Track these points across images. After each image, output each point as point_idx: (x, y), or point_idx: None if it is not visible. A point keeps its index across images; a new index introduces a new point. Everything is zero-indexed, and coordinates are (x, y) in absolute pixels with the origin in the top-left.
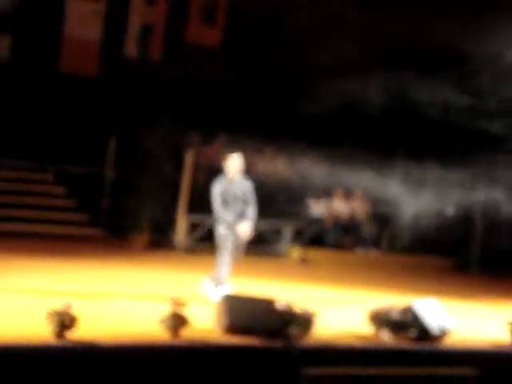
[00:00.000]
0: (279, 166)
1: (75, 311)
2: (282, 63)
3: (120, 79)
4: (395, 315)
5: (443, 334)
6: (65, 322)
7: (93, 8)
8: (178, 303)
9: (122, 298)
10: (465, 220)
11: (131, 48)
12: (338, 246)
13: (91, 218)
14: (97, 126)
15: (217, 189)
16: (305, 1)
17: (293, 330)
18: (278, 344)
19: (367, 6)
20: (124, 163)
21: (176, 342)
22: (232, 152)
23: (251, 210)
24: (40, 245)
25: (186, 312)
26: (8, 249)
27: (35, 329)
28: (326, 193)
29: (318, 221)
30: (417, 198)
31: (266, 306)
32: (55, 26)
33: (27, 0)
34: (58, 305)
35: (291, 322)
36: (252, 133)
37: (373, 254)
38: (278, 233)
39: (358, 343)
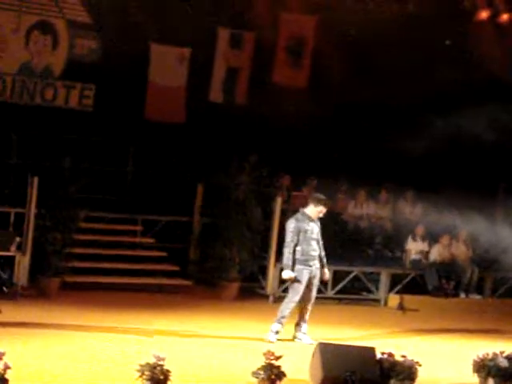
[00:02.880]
0: (373, 209)
1: (167, 363)
2: (375, 101)
3: (206, 125)
4: (502, 363)
5: None
6: (157, 376)
7: (178, 54)
8: (272, 354)
9: (213, 349)
10: None
11: (217, 93)
12: (439, 291)
13: (180, 268)
14: (183, 173)
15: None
16: (395, 35)
17: (395, 382)
18: None
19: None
20: (212, 211)
21: None
22: (322, 198)
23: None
24: (131, 296)
25: (281, 364)
26: (100, 301)
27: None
28: (426, 236)
29: (417, 266)
30: None
31: (365, 354)
32: (140, 74)
33: (111, 49)
34: (151, 358)
35: (393, 373)
36: (344, 176)
37: (475, 299)
38: (375, 279)
39: None
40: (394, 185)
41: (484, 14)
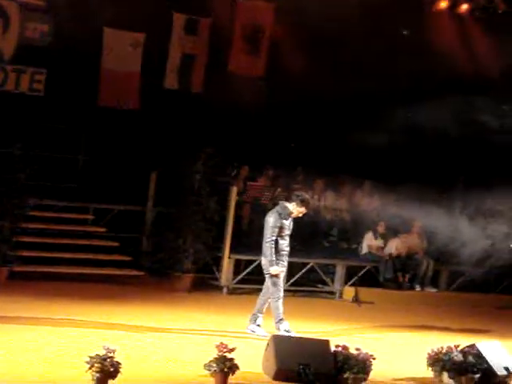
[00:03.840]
0: (331, 201)
1: (118, 355)
2: (335, 92)
3: (160, 112)
4: (457, 357)
5: (509, 375)
6: (107, 368)
7: (132, 39)
8: (225, 347)
9: (165, 341)
10: None
11: (172, 80)
12: (393, 284)
13: (132, 259)
14: (137, 161)
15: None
16: (355, 24)
17: (349, 375)
18: None
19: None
20: (165, 200)
21: None
22: (303, 195)
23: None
24: (81, 287)
25: (234, 356)
26: (49, 291)
27: (75, 374)
28: (386, 233)
29: (373, 258)
30: (478, 231)
31: (319, 347)
32: (93, 59)
33: (63, 33)
34: (100, 350)
35: (347, 366)
36: (301, 166)
37: (430, 292)
38: (330, 272)
39: None
40: (352, 176)
41: (443, 4)
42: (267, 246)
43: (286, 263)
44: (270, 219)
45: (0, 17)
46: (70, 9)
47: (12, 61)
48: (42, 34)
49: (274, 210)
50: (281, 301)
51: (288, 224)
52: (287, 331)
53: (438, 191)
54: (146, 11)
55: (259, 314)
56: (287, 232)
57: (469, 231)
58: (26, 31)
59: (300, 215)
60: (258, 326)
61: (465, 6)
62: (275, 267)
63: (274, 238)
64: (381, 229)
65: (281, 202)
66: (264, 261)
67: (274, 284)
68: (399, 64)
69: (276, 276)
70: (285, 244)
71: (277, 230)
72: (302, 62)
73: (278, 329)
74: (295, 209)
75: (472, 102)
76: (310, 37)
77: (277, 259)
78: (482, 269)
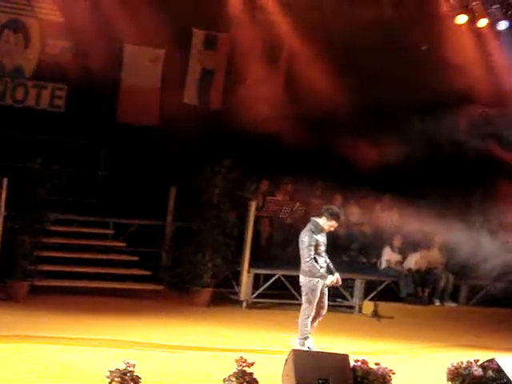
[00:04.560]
0: (352, 215)
1: (138, 369)
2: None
3: (180, 127)
4: (477, 371)
5: None
6: (127, 383)
7: (152, 55)
8: (245, 361)
9: (184, 355)
10: None
11: (191, 95)
12: (413, 299)
13: (152, 273)
14: (156, 176)
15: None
16: (372, 39)
17: None
18: None
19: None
20: (185, 215)
21: None
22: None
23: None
24: (101, 301)
25: (253, 371)
26: (69, 305)
27: None
28: (403, 246)
29: (392, 273)
30: (498, 245)
31: (338, 362)
32: (113, 75)
33: (83, 49)
34: (120, 364)
35: (366, 381)
36: (320, 179)
37: (450, 307)
38: (349, 286)
39: None
40: (372, 190)
41: (462, 19)
42: (309, 265)
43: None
44: (305, 239)
45: (20, 33)
46: (89, 25)
47: (33, 77)
48: (63, 50)
49: (307, 228)
50: (310, 319)
51: (322, 240)
52: (310, 348)
53: (458, 205)
54: (166, 27)
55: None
56: (322, 248)
57: (488, 245)
58: (46, 47)
59: (332, 229)
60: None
61: (483, 21)
62: (329, 277)
63: (312, 256)
64: (397, 243)
65: (312, 219)
66: (302, 279)
67: (309, 302)
68: (418, 77)
69: (311, 294)
70: (321, 260)
71: (313, 248)
72: (320, 75)
73: (303, 345)
74: (326, 223)
75: (490, 115)
76: (328, 51)
77: (316, 277)
78: (502, 283)
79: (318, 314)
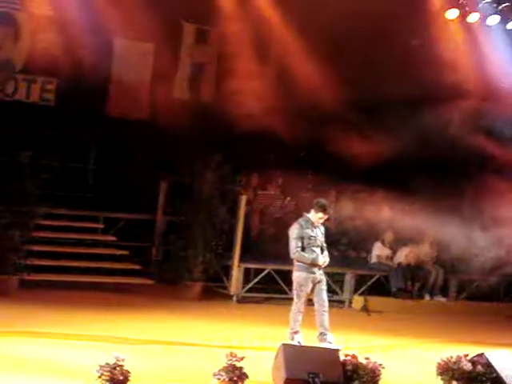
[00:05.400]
0: (344, 209)
1: (128, 364)
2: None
3: (170, 121)
4: (466, 366)
5: None
6: (116, 377)
7: (142, 49)
8: (235, 356)
9: (174, 349)
10: None
11: (181, 89)
12: (403, 293)
13: (142, 267)
14: (147, 170)
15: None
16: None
17: None
18: None
19: None
20: (175, 209)
21: None
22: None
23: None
24: (91, 295)
25: (243, 365)
26: (59, 299)
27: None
28: (394, 242)
29: (382, 267)
30: (488, 240)
31: (328, 356)
32: (103, 69)
33: (74, 43)
34: (110, 359)
35: (356, 375)
36: (312, 174)
37: (440, 301)
38: (339, 280)
39: None
40: (363, 185)
41: (452, 14)
42: (295, 256)
43: (318, 274)
44: (293, 231)
45: (11, 26)
46: (80, 19)
47: (23, 70)
48: (53, 44)
49: (297, 221)
50: (300, 315)
51: (313, 234)
52: (299, 343)
53: (449, 200)
54: (157, 21)
55: (325, 331)
56: (314, 243)
57: (479, 240)
58: (36, 41)
59: (321, 221)
60: (330, 343)
61: (474, 15)
62: (320, 259)
63: (299, 247)
64: (389, 238)
65: (304, 214)
66: (294, 275)
67: (298, 297)
68: (409, 72)
69: (300, 288)
70: (314, 255)
71: (300, 240)
72: (311, 69)
73: (292, 339)
74: (314, 216)
75: (481, 109)
76: (319, 45)
77: (307, 271)
78: (492, 278)
79: (319, 310)
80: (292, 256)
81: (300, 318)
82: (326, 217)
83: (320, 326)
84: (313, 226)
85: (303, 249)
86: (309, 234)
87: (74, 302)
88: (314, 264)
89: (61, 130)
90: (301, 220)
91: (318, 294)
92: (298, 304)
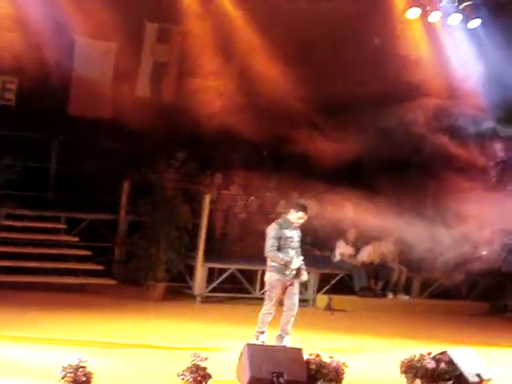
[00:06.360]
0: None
1: (91, 365)
2: (308, 98)
3: (132, 120)
4: (429, 364)
5: (481, 382)
6: (79, 378)
7: (104, 48)
8: (198, 356)
9: (138, 351)
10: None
11: (143, 87)
12: (367, 292)
13: (105, 268)
14: (109, 170)
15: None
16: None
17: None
18: None
19: None
20: (138, 208)
21: None
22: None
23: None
24: (53, 296)
25: (207, 365)
26: (21, 300)
27: None
28: (357, 240)
29: (345, 266)
30: (450, 238)
31: (292, 355)
32: (65, 67)
33: (34, 41)
34: (73, 360)
35: (320, 374)
36: (275, 173)
37: (403, 299)
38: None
39: None
40: (326, 184)
41: (414, 13)
42: (270, 255)
43: (290, 276)
44: (270, 231)
45: None
46: (41, 17)
47: None
48: (13, 42)
49: (276, 221)
50: (270, 316)
51: (291, 235)
52: (263, 343)
53: (412, 198)
54: (119, 20)
55: (284, 334)
56: (291, 244)
57: (442, 238)
58: None
59: (300, 221)
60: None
61: (435, 14)
62: (294, 262)
63: (274, 246)
64: (351, 236)
65: (283, 215)
66: (266, 276)
67: (269, 298)
68: (373, 71)
69: (270, 289)
70: (288, 256)
71: (276, 240)
72: (275, 67)
73: (257, 338)
74: (294, 215)
75: (444, 109)
76: (282, 44)
77: (279, 273)
78: (455, 276)
79: (287, 313)
80: (266, 254)
81: (269, 319)
82: (306, 217)
83: (282, 328)
84: (291, 227)
85: (279, 249)
86: (286, 235)
87: (36, 304)
88: (286, 266)
89: (22, 129)
90: (280, 220)
91: (290, 298)
92: (268, 305)
